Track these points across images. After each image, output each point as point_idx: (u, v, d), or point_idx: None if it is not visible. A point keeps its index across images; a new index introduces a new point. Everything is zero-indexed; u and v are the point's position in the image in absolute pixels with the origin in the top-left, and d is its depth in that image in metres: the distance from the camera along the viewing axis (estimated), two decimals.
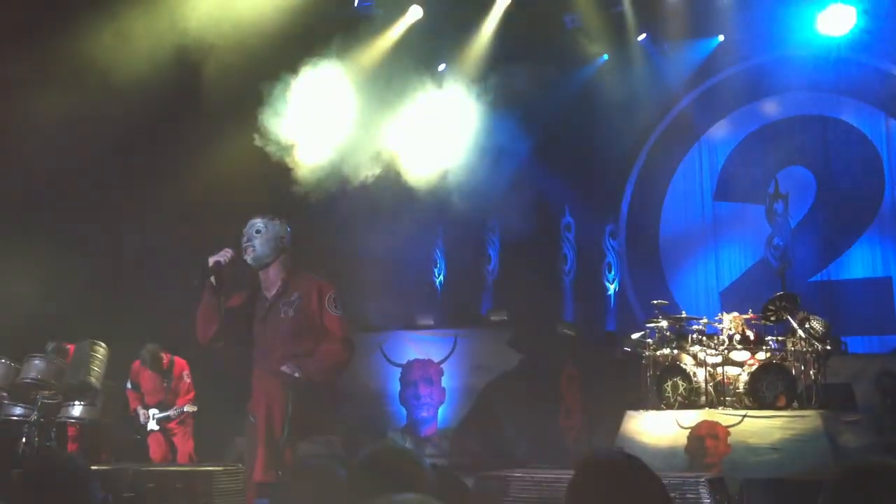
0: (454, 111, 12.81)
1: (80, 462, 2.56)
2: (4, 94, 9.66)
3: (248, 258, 5.05)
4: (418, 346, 12.31)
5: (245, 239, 5.07)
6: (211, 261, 4.96)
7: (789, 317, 9.59)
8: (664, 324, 10.14)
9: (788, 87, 12.86)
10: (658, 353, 10.08)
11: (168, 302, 11.09)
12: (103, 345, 8.30)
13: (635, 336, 10.36)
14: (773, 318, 9.68)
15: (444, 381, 12.17)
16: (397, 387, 12.29)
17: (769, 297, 10.17)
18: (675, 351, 9.90)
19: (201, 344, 5.10)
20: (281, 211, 5.36)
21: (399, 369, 12.26)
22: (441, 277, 13.29)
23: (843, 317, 11.28)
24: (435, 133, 12.44)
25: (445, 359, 12.15)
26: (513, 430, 11.28)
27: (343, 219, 11.63)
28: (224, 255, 4.99)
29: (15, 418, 8.30)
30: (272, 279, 5.09)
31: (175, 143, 11.00)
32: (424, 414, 12.08)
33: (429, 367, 12.17)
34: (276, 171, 9.74)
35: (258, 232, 5.07)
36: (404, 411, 12.21)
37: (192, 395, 8.89)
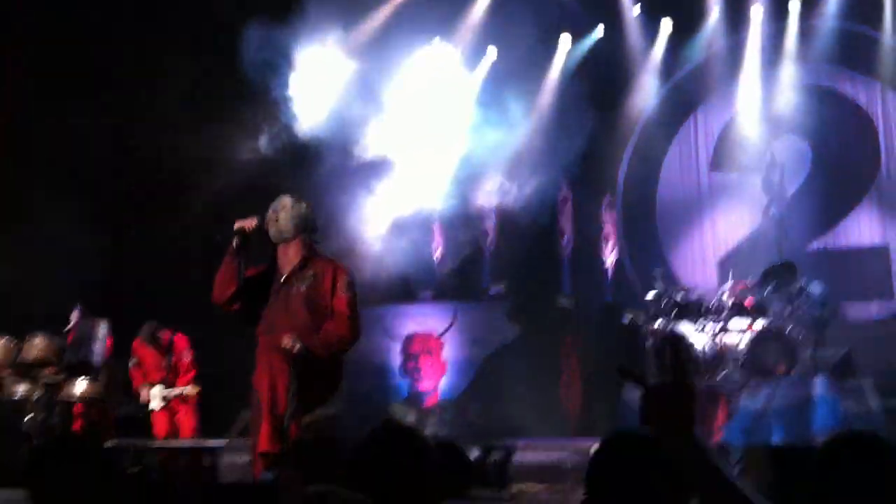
0: (448, 83, 12.82)
1: (102, 450, 2.57)
2: None
3: (271, 230, 5.12)
4: (418, 320, 12.35)
5: (270, 211, 5.15)
6: (237, 224, 5.05)
7: (787, 285, 9.64)
8: (662, 293, 10.18)
9: (783, 58, 12.83)
10: (657, 323, 10.13)
11: (171, 279, 11.16)
12: (105, 322, 8.29)
13: (633, 307, 10.42)
14: (771, 286, 9.73)
15: (445, 354, 12.22)
16: (398, 360, 12.33)
17: (766, 266, 10.22)
18: (674, 320, 9.95)
19: (217, 304, 5.14)
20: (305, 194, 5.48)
21: (399, 343, 12.30)
22: (439, 251, 13.29)
23: (841, 284, 11.30)
24: (430, 104, 12.46)
25: (445, 331, 12.20)
26: (513, 400, 11.34)
27: (345, 190, 11.66)
28: (250, 222, 5.08)
29: (18, 397, 8.30)
30: (291, 256, 5.13)
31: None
32: (426, 386, 12.14)
33: (429, 339, 12.21)
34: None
35: (283, 207, 5.14)
36: (406, 384, 12.26)
37: (192, 373, 8.87)
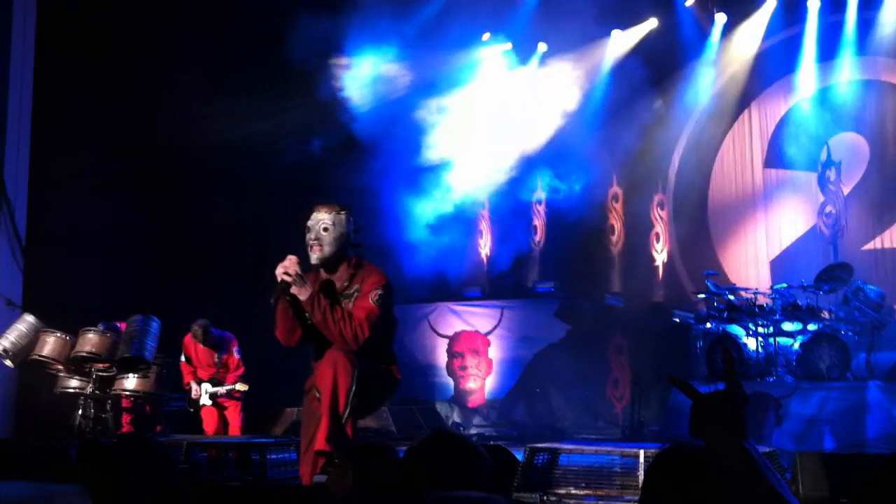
0: (499, 78, 12.78)
1: (161, 449, 2.59)
2: None
3: (314, 257, 4.90)
4: (465, 318, 12.34)
5: (312, 236, 4.89)
6: (279, 276, 4.76)
7: (843, 286, 9.44)
8: (714, 294, 10.04)
9: (841, 51, 12.54)
10: (708, 323, 9.99)
11: (219, 277, 11.30)
12: (156, 319, 8.41)
13: (684, 307, 10.29)
14: (826, 288, 9.54)
15: (491, 353, 12.19)
16: (444, 358, 12.33)
17: (821, 267, 10.02)
18: (726, 321, 9.80)
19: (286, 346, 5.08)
20: (343, 198, 5.21)
21: (446, 341, 12.30)
22: (487, 249, 13.26)
23: None
24: (480, 100, 12.44)
25: (492, 330, 12.17)
26: (560, 400, 11.28)
27: (392, 186, 11.70)
28: (291, 267, 4.76)
29: (71, 391, 8.46)
30: (339, 273, 4.99)
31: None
32: (472, 385, 12.13)
33: (475, 338, 12.20)
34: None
35: (326, 230, 4.87)
36: (451, 382, 12.26)
37: (241, 370, 9.00)
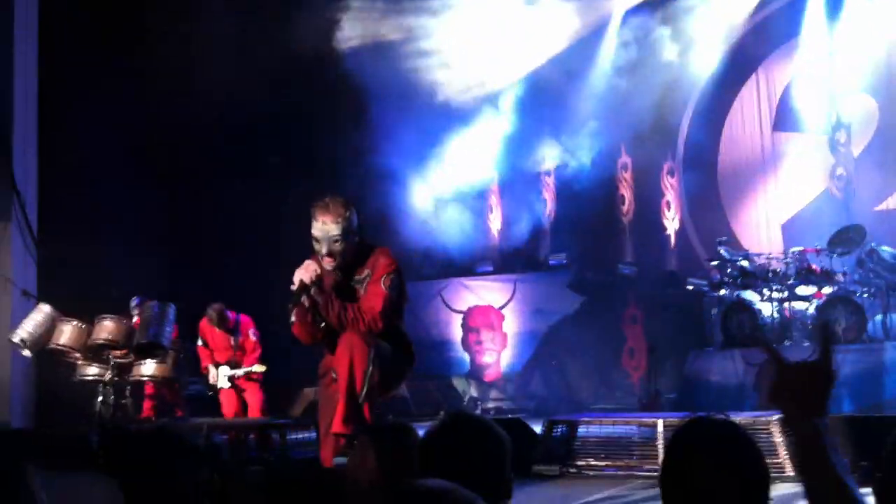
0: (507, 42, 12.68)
1: (188, 439, 2.60)
2: None
3: (329, 266, 4.85)
4: (478, 293, 12.35)
5: (324, 250, 4.83)
6: (297, 280, 4.75)
7: (856, 248, 9.40)
8: (727, 261, 10.00)
9: (848, 12, 12.39)
10: (722, 290, 9.96)
11: (235, 260, 11.33)
12: (172, 304, 8.44)
13: (697, 274, 10.27)
14: (839, 251, 9.50)
15: (506, 326, 12.20)
16: (459, 333, 12.35)
17: (833, 230, 9.97)
18: (740, 288, 9.78)
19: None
20: (344, 193, 5.14)
21: (460, 316, 12.32)
22: (498, 223, 13.23)
23: None
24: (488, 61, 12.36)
25: (506, 304, 12.18)
26: (576, 372, 11.31)
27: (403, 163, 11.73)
28: (310, 272, 4.75)
29: (90, 378, 8.51)
30: (348, 261, 4.93)
31: None
32: (487, 359, 12.16)
33: (490, 312, 12.21)
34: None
35: (336, 242, 4.81)
36: (467, 357, 12.29)
37: (258, 352, 9.02)
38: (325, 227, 4.83)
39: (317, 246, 4.88)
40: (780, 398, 1.78)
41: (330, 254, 4.83)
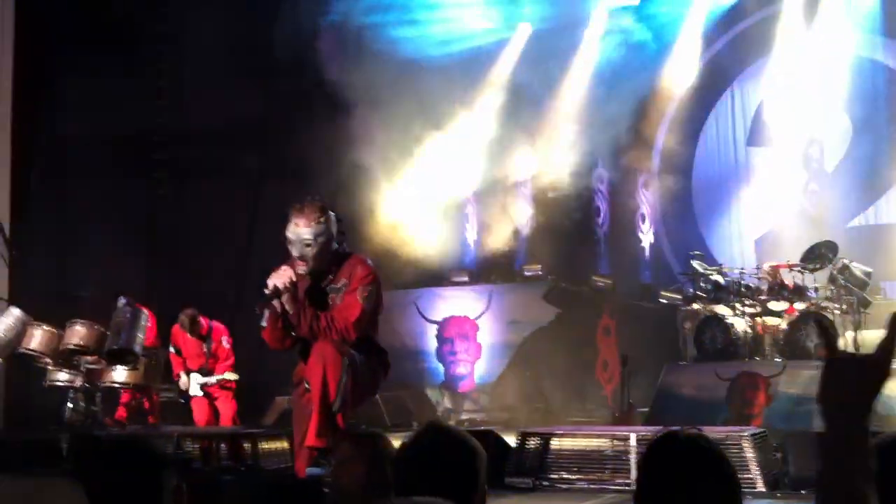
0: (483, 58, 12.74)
1: (158, 447, 2.58)
2: None
3: (301, 270, 4.80)
4: (453, 303, 12.34)
5: (296, 253, 4.79)
6: (270, 284, 4.70)
7: (829, 265, 9.48)
8: (700, 274, 10.07)
9: (822, 29, 12.53)
10: (695, 304, 10.03)
11: (207, 266, 11.25)
12: (145, 309, 8.37)
13: (670, 287, 10.33)
14: (811, 266, 9.58)
15: (480, 337, 12.19)
16: (434, 343, 12.33)
17: (806, 245, 10.06)
18: (713, 302, 9.84)
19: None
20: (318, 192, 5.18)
21: (435, 326, 12.30)
22: (474, 233, 13.24)
23: (883, 262, 11.08)
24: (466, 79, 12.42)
25: (481, 314, 12.17)
26: (550, 383, 11.31)
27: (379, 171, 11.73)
28: (283, 279, 4.69)
29: (60, 384, 8.42)
30: (324, 269, 4.92)
31: None
32: (461, 370, 12.14)
33: (464, 322, 12.20)
34: None
35: (308, 246, 4.76)
36: (441, 368, 12.27)
37: (231, 360, 8.94)
38: (297, 229, 4.79)
39: (289, 248, 4.84)
40: (826, 392, 1.65)
41: (302, 257, 4.79)
